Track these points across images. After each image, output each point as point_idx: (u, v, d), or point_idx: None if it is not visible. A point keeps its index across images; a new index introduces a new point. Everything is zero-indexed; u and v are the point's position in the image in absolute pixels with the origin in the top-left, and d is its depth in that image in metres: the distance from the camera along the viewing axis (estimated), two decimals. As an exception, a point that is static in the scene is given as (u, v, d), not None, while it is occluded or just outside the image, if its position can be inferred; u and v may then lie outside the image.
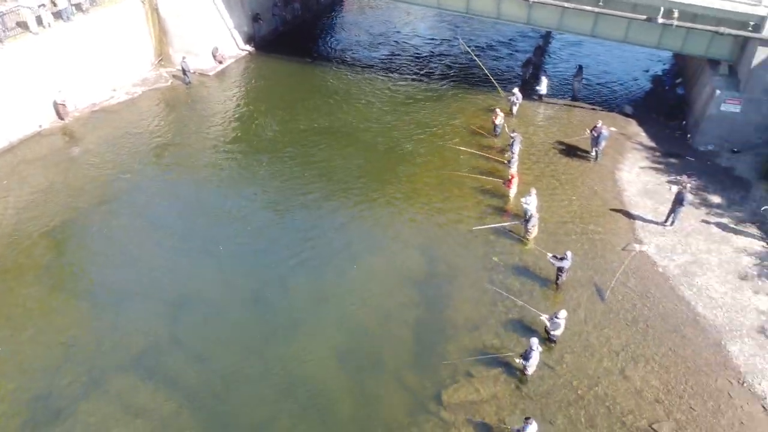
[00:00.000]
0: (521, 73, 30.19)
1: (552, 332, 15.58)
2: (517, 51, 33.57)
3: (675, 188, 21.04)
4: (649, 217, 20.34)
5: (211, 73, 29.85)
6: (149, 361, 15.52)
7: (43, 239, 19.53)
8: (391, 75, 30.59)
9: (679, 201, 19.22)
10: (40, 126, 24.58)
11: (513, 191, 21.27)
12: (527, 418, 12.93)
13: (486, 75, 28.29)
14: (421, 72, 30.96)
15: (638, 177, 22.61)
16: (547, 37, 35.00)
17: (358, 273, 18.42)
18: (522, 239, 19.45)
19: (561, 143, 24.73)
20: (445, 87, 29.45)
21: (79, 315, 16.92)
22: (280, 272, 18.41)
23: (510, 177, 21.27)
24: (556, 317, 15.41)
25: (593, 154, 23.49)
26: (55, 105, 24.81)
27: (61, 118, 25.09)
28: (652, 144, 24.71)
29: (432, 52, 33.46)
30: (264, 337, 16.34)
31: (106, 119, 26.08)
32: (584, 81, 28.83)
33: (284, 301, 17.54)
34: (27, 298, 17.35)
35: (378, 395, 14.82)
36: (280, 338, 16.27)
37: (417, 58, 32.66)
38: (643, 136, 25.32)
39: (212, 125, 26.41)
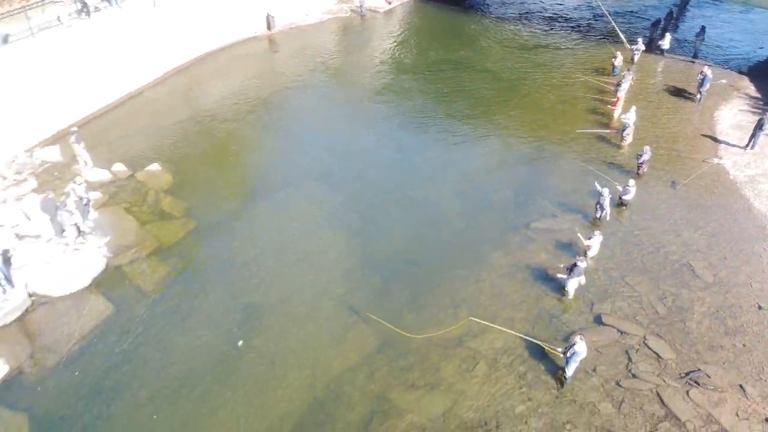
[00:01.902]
0: (649, 32, 33.68)
1: (623, 197, 20.18)
2: (641, 18, 36.96)
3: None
4: (733, 143, 23.88)
5: (381, 11, 36.64)
6: (324, 177, 22.24)
7: (250, 104, 27.11)
8: (522, 28, 35.55)
9: (759, 126, 22.67)
10: (255, 32, 32.71)
11: (617, 112, 25.61)
12: (593, 234, 17.86)
13: (611, 30, 32.23)
14: (548, 28, 35.55)
15: (734, 116, 25.92)
16: (682, 6, 37.85)
17: (481, 151, 24.04)
18: (618, 145, 23.89)
19: (671, 86, 28.43)
20: (568, 40, 33.86)
21: (279, 149, 24.16)
22: (419, 148, 24.50)
23: (616, 99, 25.65)
24: (628, 185, 20.03)
25: (698, 96, 26.98)
26: (267, 18, 32.77)
27: (269, 29, 33.05)
28: (758, 95, 27.64)
29: (559, 14, 37.78)
30: (404, 180, 22.42)
31: (298, 34, 33.82)
32: (708, 44, 31.89)
33: (421, 165, 23.52)
34: (248, 135, 24.95)
35: (483, 220, 20.34)
36: (417, 183, 22.24)
37: (546, 18, 37.15)
38: (751, 89, 28.25)
39: (374, 48, 33.17)
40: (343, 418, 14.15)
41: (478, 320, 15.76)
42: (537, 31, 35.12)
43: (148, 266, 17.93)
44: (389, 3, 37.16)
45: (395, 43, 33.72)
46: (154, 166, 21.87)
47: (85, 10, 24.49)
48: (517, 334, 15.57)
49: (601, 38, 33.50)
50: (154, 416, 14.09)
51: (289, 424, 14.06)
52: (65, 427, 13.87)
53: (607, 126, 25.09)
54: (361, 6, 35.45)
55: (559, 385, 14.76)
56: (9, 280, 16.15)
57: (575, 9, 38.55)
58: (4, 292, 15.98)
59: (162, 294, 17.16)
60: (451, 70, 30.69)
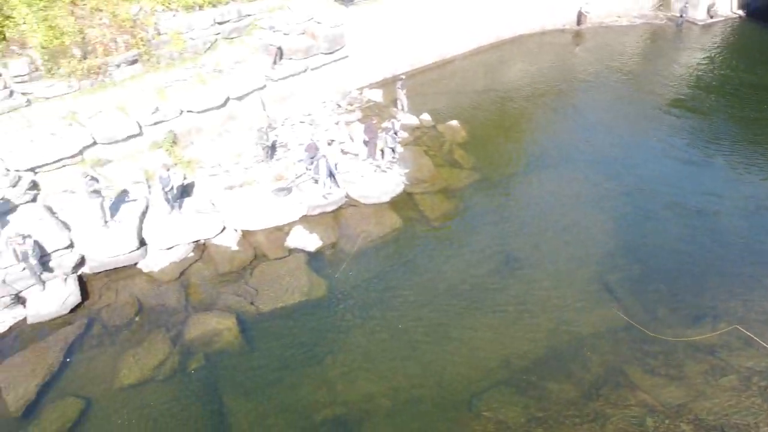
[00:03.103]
0: None
1: None
2: None
3: None
4: None
5: (699, 23, 35.01)
6: (601, 164, 23.01)
7: (543, 88, 28.64)
8: None
9: None
10: (563, 25, 34.08)
11: None
12: None
13: None
14: None
15: None
16: None
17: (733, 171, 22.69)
18: None
19: None
20: None
21: (562, 131, 25.44)
22: (708, 166, 23.54)
23: None
24: None
25: None
26: (579, 14, 33.84)
27: (579, 25, 34.11)
28: None
29: None
30: (684, 189, 21.92)
31: (605, 34, 34.23)
32: None
33: (708, 181, 22.67)
34: (536, 115, 26.77)
35: (727, 245, 19.17)
36: (698, 195, 21.59)
37: None
38: None
39: (678, 60, 31.91)
40: (577, 374, 15.28)
41: (745, 331, 15.39)
42: None
43: (435, 200, 20.94)
44: (711, 17, 35.20)
45: (703, 59, 31.99)
46: (454, 122, 24.93)
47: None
48: (785, 357, 14.87)
49: None
50: (399, 326, 16.54)
51: (525, 360, 15.65)
52: (350, 301, 17.36)
53: None
54: (681, 15, 34.33)
55: (817, 427, 13.86)
56: (336, 181, 20.40)
57: None
58: (331, 188, 20.27)
59: (441, 224, 20.02)
60: (763, 95, 28.34)
